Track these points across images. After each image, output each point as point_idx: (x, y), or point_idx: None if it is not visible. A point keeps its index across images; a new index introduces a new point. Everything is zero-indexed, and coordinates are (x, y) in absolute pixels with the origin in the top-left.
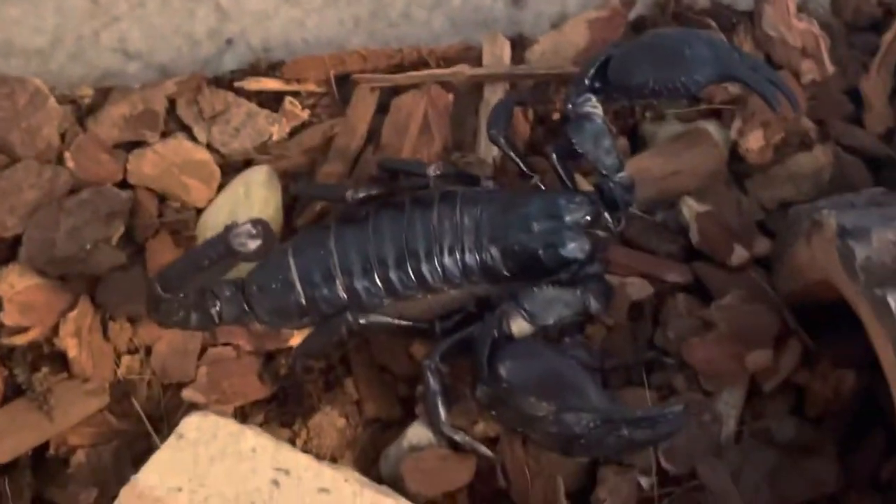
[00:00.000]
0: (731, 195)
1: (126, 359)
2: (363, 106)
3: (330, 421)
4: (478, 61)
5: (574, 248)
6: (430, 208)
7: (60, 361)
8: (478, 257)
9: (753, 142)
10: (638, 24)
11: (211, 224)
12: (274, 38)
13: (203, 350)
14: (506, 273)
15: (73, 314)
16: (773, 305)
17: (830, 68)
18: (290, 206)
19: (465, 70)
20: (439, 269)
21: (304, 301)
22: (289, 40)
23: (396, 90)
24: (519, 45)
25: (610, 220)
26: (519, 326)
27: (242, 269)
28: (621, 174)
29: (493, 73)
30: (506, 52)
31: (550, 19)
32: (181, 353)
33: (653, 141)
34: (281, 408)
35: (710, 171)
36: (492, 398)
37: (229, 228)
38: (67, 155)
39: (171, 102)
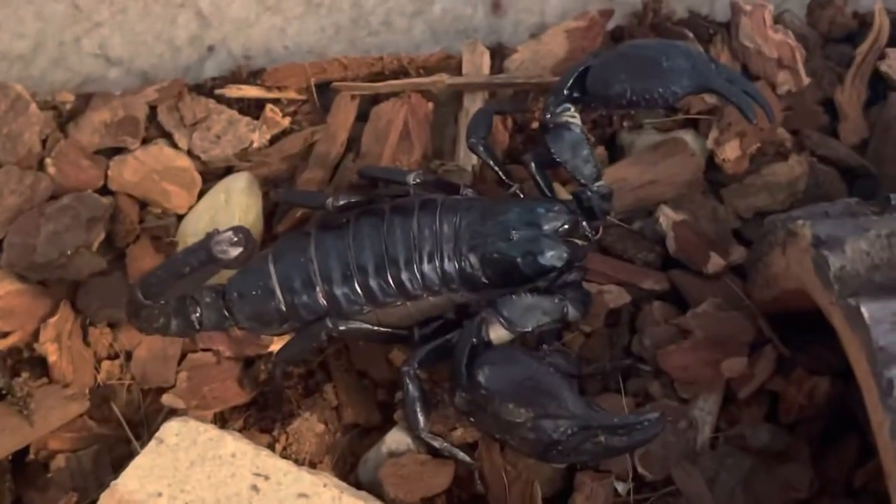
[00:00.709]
0: (707, 204)
1: (106, 364)
2: (343, 113)
3: (309, 426)
4: (457, 70)
5: (552, 257)
6: (410, 216)
7: (41, 366)
8: (457, 265)
9: (730, 151)
10: (616, 34)
11: (191, 230)
12: (255, 46)
13: (183, 355)
14: (484, 281)
15: (53, 319)
16: (748, 313)
17: (806, 79)
18: (271, 212)
19: (444, 79)
20: (419, 277)
21: (284, 307)
22: (270, 47)
23: (376, 98)
24: (498, 53)
25: (588, 228)
26: (497, 333)
27: (223, 275)
28: (599, 183)
29: (473, 81)
30: (485, 61)
31: (529, 28)
32: (161, 359)
33: (630, 150)
34: (260, 413)
35: (686, 181)
36: (470, 404)
37: (211, 236)
38: (48, 161)
39: (153, 109)
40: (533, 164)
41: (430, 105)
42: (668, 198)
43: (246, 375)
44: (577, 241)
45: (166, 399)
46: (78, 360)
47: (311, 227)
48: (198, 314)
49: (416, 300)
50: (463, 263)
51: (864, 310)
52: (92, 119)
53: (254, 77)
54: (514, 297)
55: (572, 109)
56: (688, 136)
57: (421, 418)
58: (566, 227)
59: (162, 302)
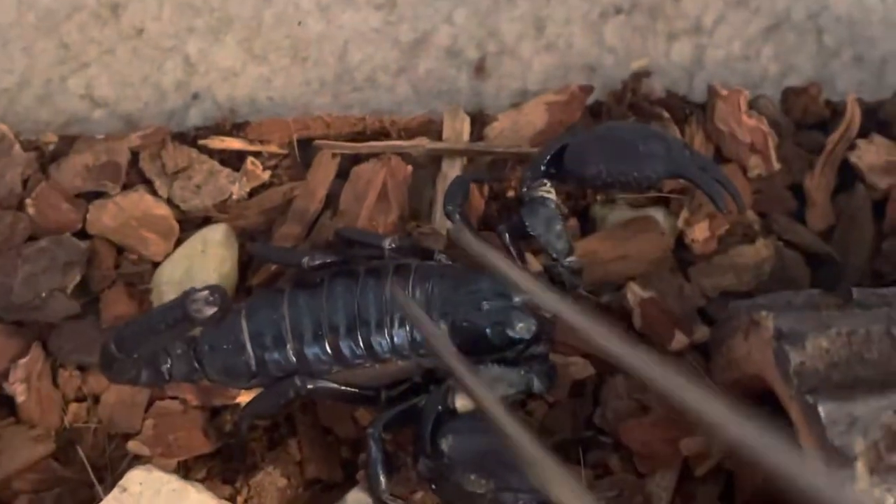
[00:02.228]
0: (674, 282)
1: (73, 406)
2: (323, 171)
3: (271, 480)
4: (438, 134)
5: (521, 329)
6: (384, 280)
7: (9, 406)
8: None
9: (699, 232)
10: (595, 109)
11: (167, 278)
12: (240, 95)
13: (151, 402)
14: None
15: (24, 360)
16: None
17: (777, 165)
18: (246, 264)
19: (424, 143)
20: (389, 340)
21: (254, 363)
22: (254, 97)
23: (357, 157)
24: (479, 120)
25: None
26: (463, 402)
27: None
28: (571, 258)
29: (452, 147)
30: (465, 127)
31: (511, 93)
32: (128, 405)
33: (603, 224)
34: (224, 464)
35: (655, 258)
36: (432, 472)
37: (188, 294)
38: (29, 202)
39: (135, 155)
40: (507, 235)
41: (409, 168)
42: (636, 273)
43: (211, 425)
44: (545, 314)
45: (132, 446)
46: (46, 401)
47: (286, 285)
48: (168, 365)
49: (384, 363)
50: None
51: (820, 409)
52: (74, 162)
53: (237, 129)
54: (480, 367)
55: (548, 185)
56: (658, 215)
57: (383, 480)
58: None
59: (135, 356)
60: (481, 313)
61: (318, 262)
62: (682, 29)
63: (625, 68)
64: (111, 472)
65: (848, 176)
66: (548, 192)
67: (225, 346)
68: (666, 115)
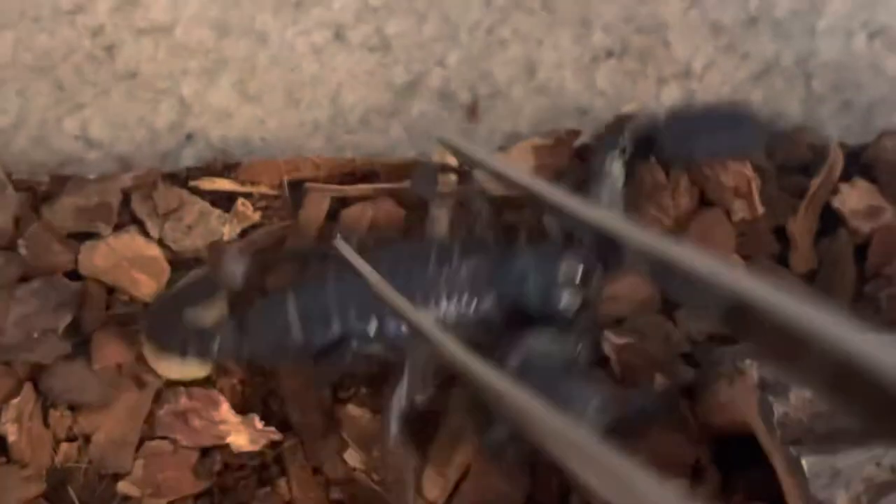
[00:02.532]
0: (661, 326)
1: (64, 446)
2: (314, 211)
3: None
4: None
5: (567, 303)
6: (429, 257)
7: (0, 445)
8: (473, 306)
9: None
10: (582, 151)
11: None
12: (233, 136)
13: (141, 442)
14: (497, 324)
15: (15, 401)
16: (692, 436)
17: (760, 209)
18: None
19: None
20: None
21: (301, 341)
22: (248, 138)
23: (345, 200)
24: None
25: (600, 278)
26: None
27: None
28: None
29: (440, 190)
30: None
31: (503, 135)
32: (119, 444)
33: None
34: None
35: (643, 298)
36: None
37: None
38: (21, 242)
39: (126, 195)
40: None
41: (402, 212)
42: (625, 314)
43: (201, 465)
44: (589, 289)
45: (122, 486)
46: (37, 441)
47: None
48: (216, 342)
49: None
50: (479, 306)
51: (804, 462)
52: (66, 203)
53: (228, 170)
54: (530, 339)
55: (621, 161)
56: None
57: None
58: (581, 275)
59: (182, 331)
60: (527, 287)
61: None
62: (671, 73)
63: (616, 111)
64: None
65: (831, 220)
66: (620, 167)
67: (271, 326)
68: (651, 159)
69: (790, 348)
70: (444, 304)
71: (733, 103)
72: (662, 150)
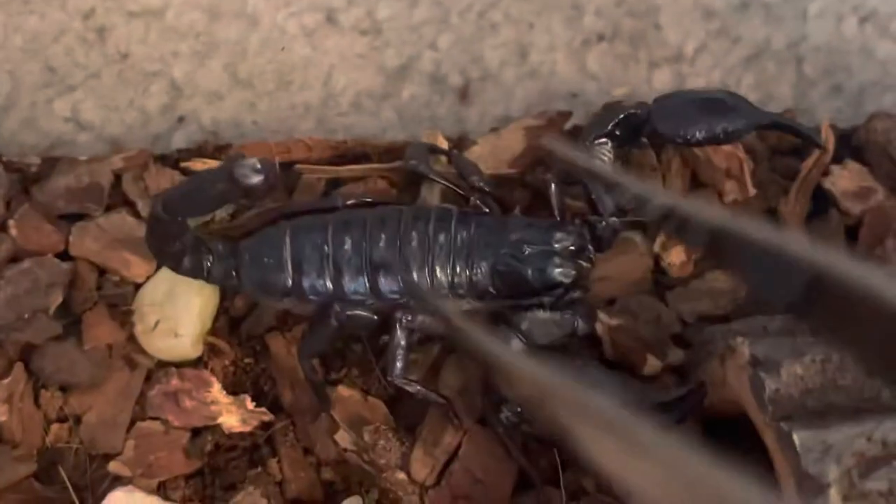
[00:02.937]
0: (653, 307)
1: (55, 427)
2: (308, 194)
3: (252, 500)
4: None
5: (561, 273)
6: (427, 222)
7: None
8: (468, 273)
9: (675, 256)
10: (574, 132)
11: (148, 300)
12: (224, 119)
13: (132, 423)
14: (492, 291)
15: (6, 381)
16: None
17: (752, 190)
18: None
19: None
20: (428, 281)
21: (290, 282)
22: (239, 121)
23: (337, 181)
24: (458, 145)
25: (592, 253)
26: (514, 346)
27: None
28: (613, 218)
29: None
30: None
31: (494, 118)
32: (110, 425)
33: None
34: (204, 485)
35: (636, 279)
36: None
37: (233, 159)
38: (11, 223)
39: (118, 177)
40: (552, 185)
41: (394, 192)
42: (617, 294)
43: (192, 445)
44: (582, 262)
45: (113, 466)
46: (28, 421)
47: (331, 216)
48: (209, 263)
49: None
50: (474, 272)
51: (795, 437)
52: (57, 184)
53: (219, 151)
54: (528, 312)
55: (610, 145)
56: (637, 237)
57: (399, 364)
58: (575, 248)
59: (180, 219)
60: (523, 258)
61: (353, 202)
62: (663, 57)
63: (607, 95)
64: (92, 492)
65: (822, 201)
66: (609, 152)
67: (265, 260)
68: (644, 139)
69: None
70: (438, 269)
71: (722, 90)
72: (653, 133)
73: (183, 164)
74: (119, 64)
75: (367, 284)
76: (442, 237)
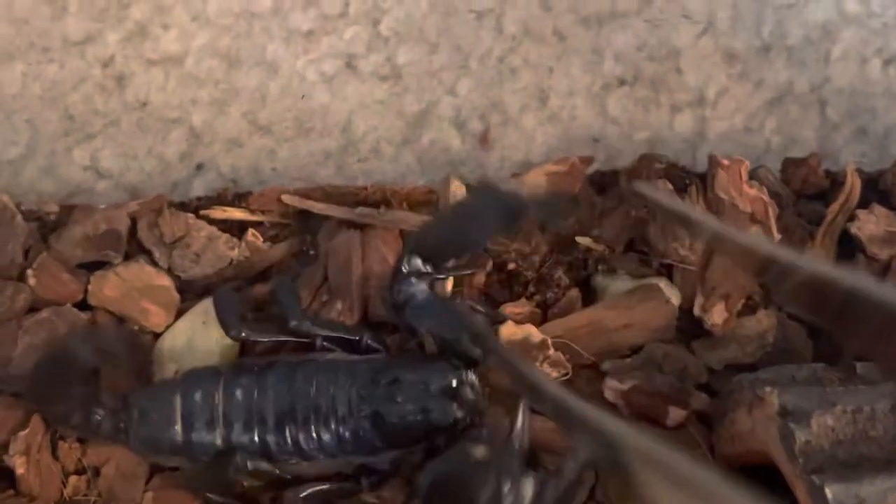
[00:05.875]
0: (680, 355)
1: (73, 479)
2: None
3: None
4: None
5: (441, 415)
6: (312, 375)
7: (8, 478)
8: (350, 428)
9: (717, 316)
10: (595, 178)
11: (168, 350)
12: (244, 166)
13: (151, 475)
14: (379, 444)
15: (24, 433)
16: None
17: (777, 235)
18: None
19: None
20: (315, 438)
21: (180, 440)
22: (258, 168)
23: (355, 226)
24: None
25: (475, 378)
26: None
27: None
28: (466, 325)
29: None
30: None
31: (515, 164)
32: (129, 477)
33: (604, 293)
34: None
35: (660, 326)
36: None
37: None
38: (30, 272)
39: (134, 223)
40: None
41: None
42: (640, 342)
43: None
44: (467, 394)
45: None
46: (46, 473)
47: (225, 366)
48: (99, 417)
49: (312, 461)
50: (356, 427)
51: (827, 491)
52: (74, 232)
53: (239, 199)
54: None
55: (413, 280)
56: (662, 283)
57: None
58: (452, 383)
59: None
60: (398, 405)
61: (252, 339)
62: (684, 101)
63: (628, 140)
64: None
65: (848, 246)
66: (413, 284)
67: (154, 416)
68: (669, 185)
69: None
70: (321, 425)
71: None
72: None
73: (203, 213)
74: (138, 112)
75: (256, 442)
76: (324, 391)
